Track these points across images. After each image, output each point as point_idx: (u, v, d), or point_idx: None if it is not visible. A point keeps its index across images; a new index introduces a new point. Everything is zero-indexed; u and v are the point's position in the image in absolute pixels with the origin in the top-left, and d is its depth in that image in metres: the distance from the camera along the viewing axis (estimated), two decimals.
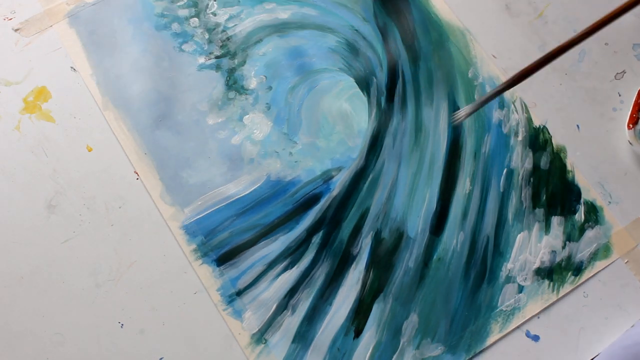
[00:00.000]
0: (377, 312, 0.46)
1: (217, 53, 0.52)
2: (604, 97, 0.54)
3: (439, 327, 0.46)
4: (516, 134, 0.52)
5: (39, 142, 0.49)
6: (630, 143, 0.51)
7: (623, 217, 0.50)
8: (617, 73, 0.55)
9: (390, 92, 0.52)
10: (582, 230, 0.49)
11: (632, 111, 0.52)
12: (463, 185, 0.50)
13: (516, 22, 0.56)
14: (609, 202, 0.50)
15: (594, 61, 0.55)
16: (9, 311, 0.44)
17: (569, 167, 0.51)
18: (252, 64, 0.52)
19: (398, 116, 0.52)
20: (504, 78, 0.53)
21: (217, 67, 0.52)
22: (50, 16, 0.52)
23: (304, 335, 0.45)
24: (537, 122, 0.52)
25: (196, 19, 0.53)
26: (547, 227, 0.49)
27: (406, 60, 0.53)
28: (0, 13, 0.52)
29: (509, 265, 0.48)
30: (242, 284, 0.46)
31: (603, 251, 0.49)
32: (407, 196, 0.49)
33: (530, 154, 0.51)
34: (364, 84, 0.52)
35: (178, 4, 0.53)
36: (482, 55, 0.54)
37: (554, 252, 0.48)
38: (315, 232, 0.48)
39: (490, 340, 0.46)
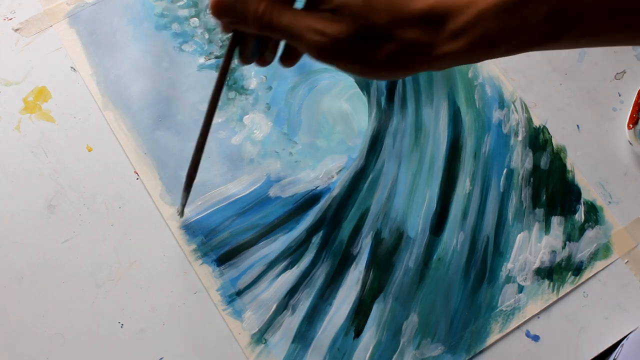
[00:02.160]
0: (377, 312, 0.46)
1: (217, 53, 0.52)
2: (604, 97, 0.54)
3: (439, 327, 0.46)
4: (516, 134, 0.52)
5: (39, 142, 0.49)
6: (630, 143, 0.51)
7: (623, 217, 0.50)
8: (617, 73, 0.55)
9: (390, 92, 0.52)
10: (582, 230, 0.49)
11: (632, 111, 0.52)
12: (463, 185, 0.50)
13: None
14: (609, 202, 0.50)
15: (594, 61, 0.55)
16: (9, 311, 0.44)
17: (569, 167, 0.51)
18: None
19: (398, 116, 0.52)
20: (504, 78, 0.53)
21: (217, 67, 0.52)
22: (50, 16, 0.52)
23: (304, 335, 0.45)
24: (537, 122, 0.52)
25: (196, 19, 0.53)
26: (547, 227, 0.49)
27: None
28: (0, 13, 0.52)
29: (509, 265, 0.48)
30: (242, 284, 0.46)
31: (603, 251, 0.49)
32: (407, 196, 0.49)
33: (530, 154, 0.51)
34: (364, 84, 0.52)
35: (178, 4, 0.54)
36: None
37: (554, 252, 0.48)
38: (315, 232, 0.48)
39: (490, 340, 0.46)
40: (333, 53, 0.29)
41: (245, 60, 0.34)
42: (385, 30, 0.28)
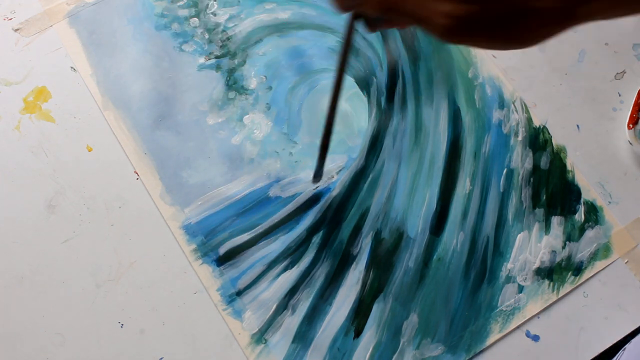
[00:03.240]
0: (377, 312, 0.46)
1: (217, 53, 0.52)
2: (604, 97, 0.54)
3: (439, 327, 0.46)
4: (516, 134, 0.52)
5: (39, 142, 0.49)
6: (630, 143, 0.51)
7: (623, 217, 0.50)
8: (617, 73, 0.55)
9: (390, 92, 0.52)
10: (582, 230, 0.49)
11: (632, 111, 0.52)
12: (463, 185, 0.50)
13: None
14: (609, 202, 0.50)
15: (594, 61, 0.55)
16: (9, 311, 0.44)
17: (569, 167, 0.51)
18: (252, 64, 0.52)
19: (398, 116, 0.52)
20: (504, 78, 0.53)
21: (217, 67, 0.52)
22: (50, 16, 0.52)
23: (304, 335, 0.45)
24: (537, 122, 0.52)
25: (196, 19, 0.53)
26: (547, 227, 0.49)
27: (406, 60, 0.53)
28: (0, 13, 0.52)
29: (509, 265, 0.48)
30: (242, 284, 0.46)
31: (603, 251, 0.49)
32: (407, 196, 0.49)
33: (530, 154, 0.51)
34: (364, 84, 0.52)
35: (178, 4, 0.53)
36: (482, 55, 0.54)
37: (554, 252, 0.48)
38: (315, 232, 0.48)
39: (490, 340, 0.46)
40: (464, 34, 0.26)
41: (373, 28, 0.33)
42: (519, 4, 0.25)
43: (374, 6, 0.28)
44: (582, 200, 0.50)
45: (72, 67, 0.51)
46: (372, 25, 0.33)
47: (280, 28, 0.53)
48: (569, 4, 0.25)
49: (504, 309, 0.46)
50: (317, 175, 0.47)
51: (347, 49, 0.34)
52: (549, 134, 0.52)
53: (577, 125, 0.53)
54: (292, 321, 0.45)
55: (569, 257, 0.48)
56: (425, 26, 0.27)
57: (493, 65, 0.54)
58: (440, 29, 0.26)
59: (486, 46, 0.28)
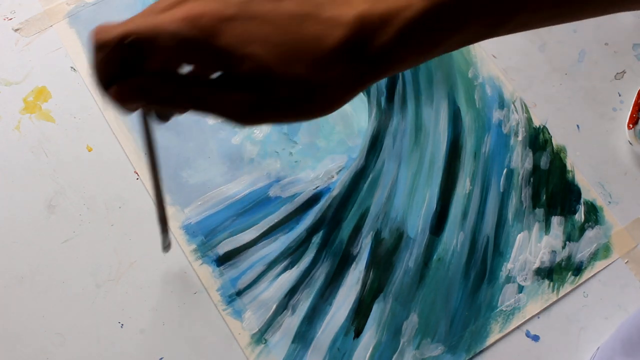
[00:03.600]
0: (377, 312, 0.46)
1: None
2: (604, 97, 0.54)
3: (439, 327, 0.46)
4: (516, 134, 0.52)
5: (39, 142, 0.49)
6: (630, 143, 0.51)
7: (623, 217, 0.50)
8: (617, 73, 0.55)
9: (390, 92, 0.52)
10: (582, 230, 0.49)
11: (632, 111, 0.52)
12: (463, 185, 0.50)
13: None
14: (609, 202, 0.50)
15: (594, 61, 0.55)
16: (9, 311, 0.44)
17: (569, 167, 0.51)
18: None
19: (398, 116, 0.52)
20: (504, 78, 0.53)
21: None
22: (50, 16, 0.52)
23: (304, 335, 0.45)
24: (537, 122, 0.52)
25: None
26: (547, 227, 0.49)
27: None
28: (0, 13, 0.52)
29: (509, 265, 0.48)
30: (242, 284, 0.46)
31: (603, 251, 0.49)
32: (407, 196, 0.49)
33: (530, 154, 0.51)
34: None
35: None
36: (482, 55, 0.54)
37: (554, 252, 0.48)
38: (315, 232, 0.48)
39: (490, 340, 0.46)
40: (257, 117, 0.27)
41: (166, 119, 0.34)
42: (310, 81, 0.25)
43: (179, 107, 0.28)
44: (582, 200, 0.50)
45: (72, 67, 0.51)
46: (164, 117, 0.34)
47: None
48: (360, 67, 0.25)
49: (504, 309, 0.46)
50: (166, 247, 0.44)
51: (151, 146, 0.35)
52: (549, 134, 0.52)
53: (577, 125, 0.53)
54: (292, 321, 0.45)
55: (569, 257, 0.48)
56: (221, 116, 0.27)
57: (493, 65, 0.54)
58: (234, 116, 0.27)
59: (285, 122, 0.28)
